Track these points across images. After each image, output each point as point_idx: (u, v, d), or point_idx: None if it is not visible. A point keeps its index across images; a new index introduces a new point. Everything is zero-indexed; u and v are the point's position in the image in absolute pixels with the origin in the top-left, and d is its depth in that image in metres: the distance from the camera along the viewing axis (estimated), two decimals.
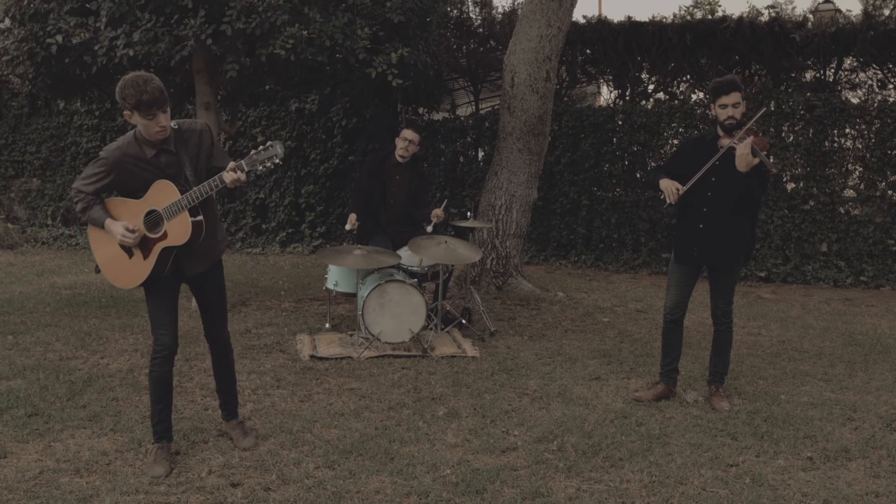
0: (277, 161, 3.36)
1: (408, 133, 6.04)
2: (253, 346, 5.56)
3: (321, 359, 5.25)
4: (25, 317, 6.37)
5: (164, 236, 3.40)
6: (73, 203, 3.48)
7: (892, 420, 4.25)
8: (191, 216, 3.36)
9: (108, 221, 3.42)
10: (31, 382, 4.61)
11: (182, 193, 3.34)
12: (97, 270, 3.63)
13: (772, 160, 8.59)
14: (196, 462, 3.58)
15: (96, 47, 5.98)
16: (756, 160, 4.00)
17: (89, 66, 6.16)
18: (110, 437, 3.85)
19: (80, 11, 6.12)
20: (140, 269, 3.46)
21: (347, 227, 5.77)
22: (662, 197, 4.23)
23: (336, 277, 5.85)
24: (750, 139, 4.03)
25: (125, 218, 3.43)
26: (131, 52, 5.84)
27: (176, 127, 3.43)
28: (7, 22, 6.54)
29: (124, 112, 3.27)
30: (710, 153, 4.20)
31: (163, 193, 3.37)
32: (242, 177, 3.30)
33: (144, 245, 3.45)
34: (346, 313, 6.61)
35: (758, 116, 4.17)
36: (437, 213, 5.84)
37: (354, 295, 5.84)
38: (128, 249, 3.48)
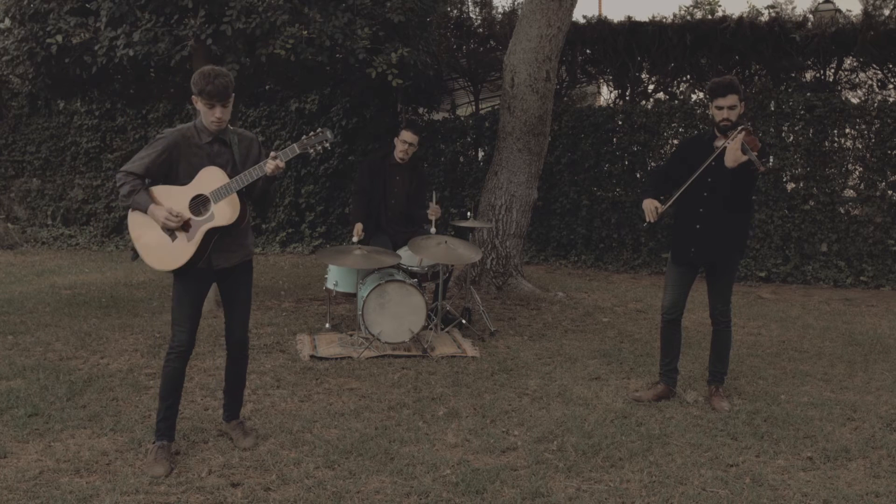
0: (327, 145, 3.76)
1: (407, 136, 6.01)
2: (253, 346, 5.53)
3: (321, 359, 5.26)
4: (25, 317, 6.37)
5: (211, 218, 3.53)
6: (116, 187, 3.67)
7: (892, 420, 4.25)
8: (239, 200, 3.53)
9: (152, 206, 3.52)
10: (31, 382, 4.61)
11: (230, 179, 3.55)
12: (133, 257, 3.70)
13: (771, 161, 8.59)
14: (196, 462, 3.58)
15: (96, 47, 5.97)
16: (745, 157, 4.02)
17: (89, 66, 6.16)
18: (110, 437, 3.85)
19: (80, 11, 6.12)
20: (183, 250, 3.55)
21: (354, 239, 5.74)
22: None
23: (336, 277, 5.85)
24: (742, 136, 4.05)
25: (170, 203, 3.53)
26: (131, 52, 5.84)
27: (232, 129, 3.70)
28: (7, 22, 6.54)
29: (192, 96, 3.52)
30: (707, 153, 4.21)
31: (211, 179, 3.53)
32: (282, 165, 3.55)
33: (188, 228, 3.55)
34: (346, 313, 6.61)
35: (745, 127, 4.16)
36: (434, 209, 5.83)
37: (354, 295, 5.84)
38: (171, 233, 3.56)
